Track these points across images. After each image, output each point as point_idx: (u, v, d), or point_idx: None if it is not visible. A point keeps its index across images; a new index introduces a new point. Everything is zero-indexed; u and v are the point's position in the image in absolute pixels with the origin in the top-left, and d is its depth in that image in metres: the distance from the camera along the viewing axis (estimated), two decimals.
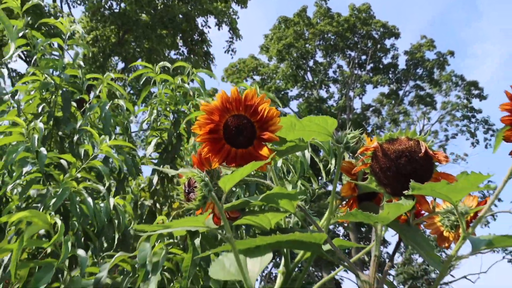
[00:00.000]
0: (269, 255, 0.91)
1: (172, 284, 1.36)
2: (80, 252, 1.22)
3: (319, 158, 1.91)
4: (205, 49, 14.88)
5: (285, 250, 1.17)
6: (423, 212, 1.11)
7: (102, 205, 1.54)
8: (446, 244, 1.20)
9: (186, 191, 0.86)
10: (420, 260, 16.19)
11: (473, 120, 22.55)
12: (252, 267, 0.93)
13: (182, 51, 14.95)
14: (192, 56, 14.87)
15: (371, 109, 22.15)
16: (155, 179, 2.26)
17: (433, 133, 23.43)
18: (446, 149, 23.19)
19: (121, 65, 14.40)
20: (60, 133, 1.88)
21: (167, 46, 13.72)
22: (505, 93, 0.84)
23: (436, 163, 0.92)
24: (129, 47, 13.34)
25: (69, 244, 1.16)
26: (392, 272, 16.25)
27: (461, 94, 22.89)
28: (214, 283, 1.28)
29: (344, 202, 1.11)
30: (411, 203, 0.82)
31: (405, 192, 0.81)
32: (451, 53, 22.94)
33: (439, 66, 22.67)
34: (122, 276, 1.26)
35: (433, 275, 16.86)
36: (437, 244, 1.26)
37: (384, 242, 18.04)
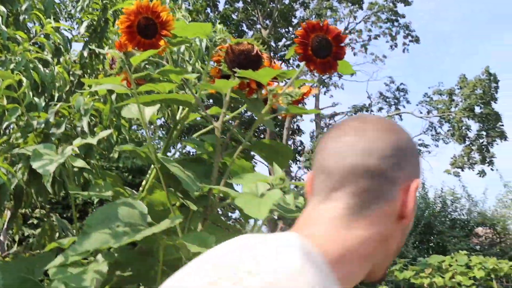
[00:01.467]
0: (157, 106, 1.53)
1: (96, 126, 1.98)
2: (37, 99, 1.78)
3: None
4: None
5: (174, 108, 1.80)
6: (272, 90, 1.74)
7: (47, 71, 2.07)
8: (283, 114, 1.86)
9: (111, 63, 1.43)
10: None
11: (395, 24, 23.41)
12: (147, 112, 1.55)
13: None
14: None
15: (299, 1, 22.44)
16: (85, 53, 2.77)
17: (357, 32, 24.05)
18: (367, 48, 23.93)
19: None
20: (5, 10, 2.32)
21: None
22: (301, 25, 1.45)
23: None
24: None
25: (30, 93, 1.71)
26: (302, 158, 17.64)
27: None
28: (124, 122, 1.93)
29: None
30: (235, 81, 1.45)
31: (236, 75, 1.43)
32: None
33: None
34: (62, 118, 1.85)
35: None
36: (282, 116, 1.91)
37: (299, 131, 19.25)
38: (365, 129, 0.75)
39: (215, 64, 1.69)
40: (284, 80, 1.72)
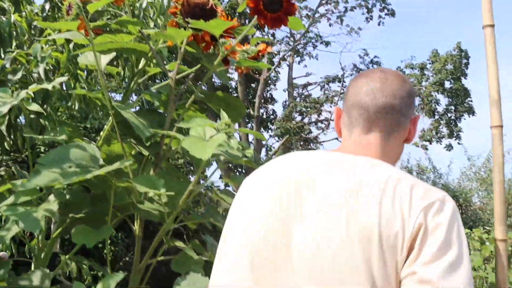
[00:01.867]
0: (113, 54, 1.57)
1: (54, 75, 2.01)
2: None
3: None
4: None
5: (132, 58, 1.83)
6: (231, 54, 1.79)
7: (4, 19, 2.08)
8: (239, 70, 1.91)
9: (67, 9, 1.46)
10: (298, 118, 17.70)
11: None
12: (103, 60, 1.59)
13: None
14: None
15: None
16: (47, 6, 2.76)
17: (334, 2, 23.93)
18: (343, 20, 23.83)
19: None
20: None
21: None
22: None
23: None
24: None
25: None
26: (273, 127, 17.72)
27: None
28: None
29: None
30: (187, 32, 1.49)
31: (189, 25, 1.47)
32: None
33: None
34: (19, 66, 1.87)
35: (309, 136, 18.62)
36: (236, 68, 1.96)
37: (271, 100, 19.27)
38: (387, 78, 1.05)
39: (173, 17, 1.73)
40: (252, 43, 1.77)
